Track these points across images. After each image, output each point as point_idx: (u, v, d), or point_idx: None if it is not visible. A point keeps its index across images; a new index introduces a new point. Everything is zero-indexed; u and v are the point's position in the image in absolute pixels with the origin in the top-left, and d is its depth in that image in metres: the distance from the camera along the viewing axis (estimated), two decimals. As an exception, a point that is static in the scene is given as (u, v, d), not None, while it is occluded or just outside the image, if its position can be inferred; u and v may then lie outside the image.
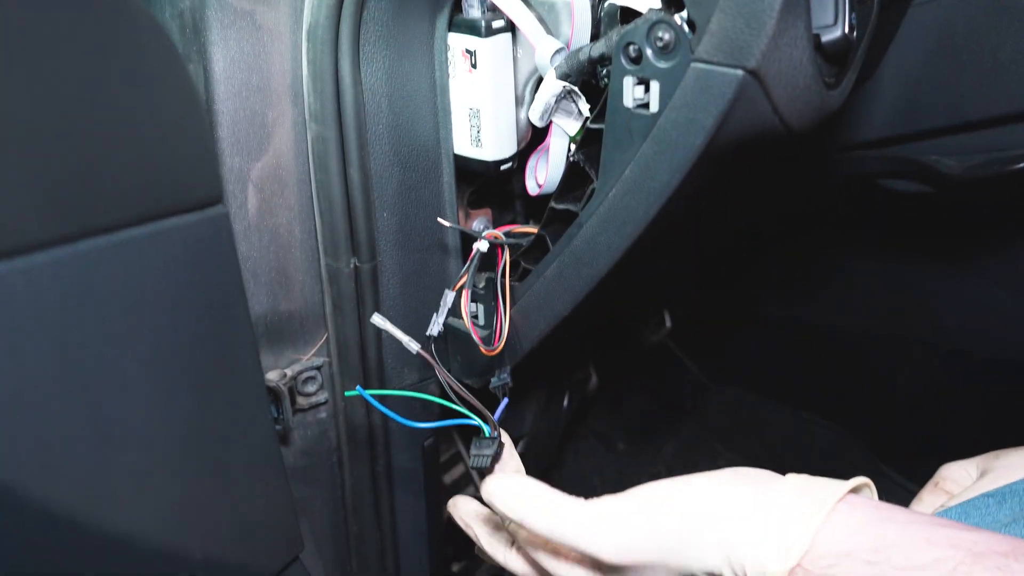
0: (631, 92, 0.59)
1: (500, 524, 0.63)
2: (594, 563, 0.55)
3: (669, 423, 1.55)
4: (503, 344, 0.74)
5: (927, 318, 1.22)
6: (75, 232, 0.44)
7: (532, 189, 0.77)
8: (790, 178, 1.05)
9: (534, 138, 0.77)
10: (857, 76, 0.68)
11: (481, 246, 0.71)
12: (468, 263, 0.72)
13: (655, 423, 1.55)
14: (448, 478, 1.08)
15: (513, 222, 0.87)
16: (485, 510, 0.63)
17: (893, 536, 0.46)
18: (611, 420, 1.51)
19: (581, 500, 0.55)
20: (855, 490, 0.50)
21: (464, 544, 1.13)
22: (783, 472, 0.53)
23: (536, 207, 0.82)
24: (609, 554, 0.52)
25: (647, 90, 0.59)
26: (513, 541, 0.60)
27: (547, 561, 0.57)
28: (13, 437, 0.44)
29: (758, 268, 1.43)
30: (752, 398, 1.51)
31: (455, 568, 1.16)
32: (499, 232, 0.74)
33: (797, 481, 0.51)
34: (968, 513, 0.59)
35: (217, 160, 0.66)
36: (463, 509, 0.66)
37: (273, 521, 0.63)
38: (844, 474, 0.52)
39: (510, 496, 0.56)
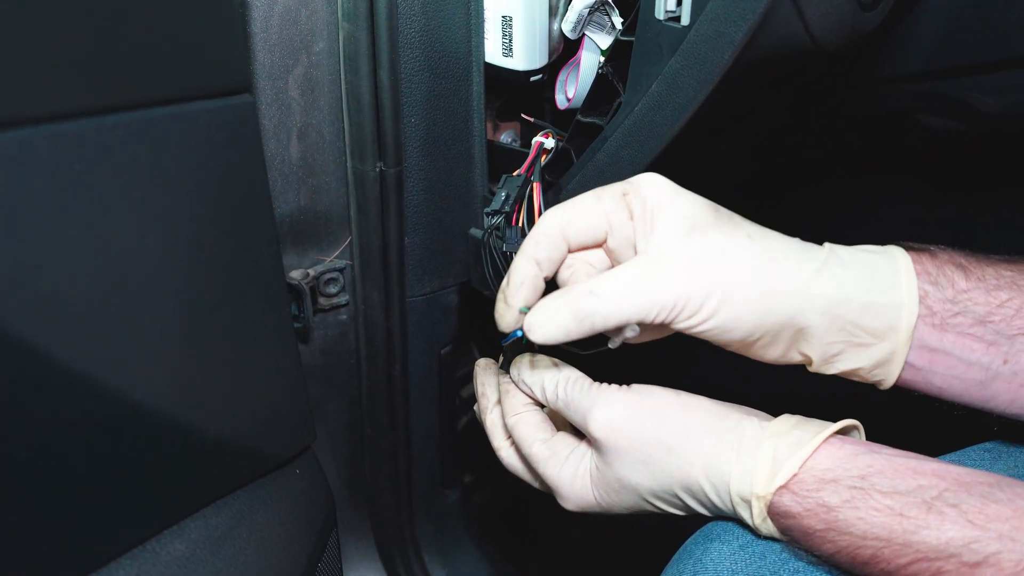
0: (663, 4, 0.59)
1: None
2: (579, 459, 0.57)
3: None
4: None
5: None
6: (101, 106, 0.45)
7: (561, 103, 0.77)
8: (823, 112, 1.04)
9: (565, 52, 0.76)
10: (899, 6, 0.67)
11: (547, 142, 0.74)
12: (533, 156, 0.74)
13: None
14: (466, 392, 1.10)
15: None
16: (504, 387, 0.64)
17: (880, 465, 0.48)
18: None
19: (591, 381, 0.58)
20: (845, 431, 0.52)
21: (475, 457, 1.16)
22: None
23: (564, 122, 0.82)
24: (597, 425, 0.53)
25: (679, 3, 0.58)
26: (510, 436, 0.62)
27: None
28: (37, 297, 0.46)
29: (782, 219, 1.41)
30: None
31: (466, 479, 1.18)
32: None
33: (791, 418, 0.52)
34: (962, 463, 0.60)
35: (247, 50, 0.66)
36: (487, 377, 0.67)
37: (286, 409, 0.65)
38: None
39: (531, 370, 0.60)
